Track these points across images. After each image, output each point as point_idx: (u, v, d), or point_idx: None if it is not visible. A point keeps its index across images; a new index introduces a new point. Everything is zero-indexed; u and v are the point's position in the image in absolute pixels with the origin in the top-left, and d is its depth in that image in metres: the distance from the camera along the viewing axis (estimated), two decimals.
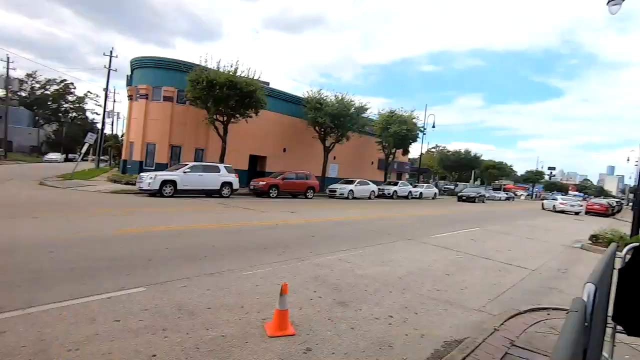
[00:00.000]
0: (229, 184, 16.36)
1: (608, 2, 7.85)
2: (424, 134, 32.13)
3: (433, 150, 64.13)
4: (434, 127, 33.47)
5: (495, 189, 54.74)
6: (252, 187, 18.55)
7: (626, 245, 3.24)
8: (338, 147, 26.29)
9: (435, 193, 32.91)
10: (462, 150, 49.06)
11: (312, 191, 20.42)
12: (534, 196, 66.48)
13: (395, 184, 28.74)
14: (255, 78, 19.02)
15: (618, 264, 3.16)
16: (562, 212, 27.85)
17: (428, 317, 4.04)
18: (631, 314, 3.09)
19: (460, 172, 51.26)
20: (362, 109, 25.12)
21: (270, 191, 18.23)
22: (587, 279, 1.41)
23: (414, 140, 30.04)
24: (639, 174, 9.85)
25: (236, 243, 6.85)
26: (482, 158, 52.22)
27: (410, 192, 28.86)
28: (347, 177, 27.32)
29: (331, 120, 23.28)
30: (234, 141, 21.24)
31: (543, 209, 30.26)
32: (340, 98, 24.17)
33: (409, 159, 41.13)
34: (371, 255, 6.83)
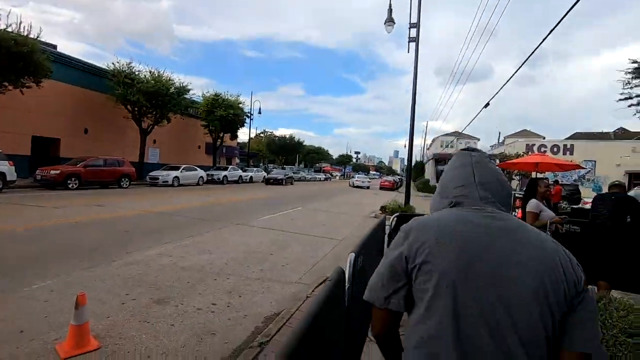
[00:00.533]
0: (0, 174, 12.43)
1: (385, 22, 9.90)
2: (251, 119, 32.85)
3: (261, 135, 66.52)
4: (260, 112, 34.66)
5: (316, 171, 61.80)
6: (39, 177, 14.63)
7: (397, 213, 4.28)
8: (158, 129, 23.78)
9: (265, 176, 34.45)
10: (287, 136, 52.96)
11: (127, 180, 17.81)
12: (345, 176, 78.72)
13: (225, 168, 28.44)
14: (33, 37, 14.75)
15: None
16: (359, 187, 35.83)
17: (252, 297, 4.27)
18: None
19: (287, 156, 55.30)
20: (183, 90, 23.36)
21: (69, 181, 14.87)
22: (351, 250, 1.80)
23: (242, 125, 30.33)
24: (408, 158, 13.11)
25: (17, 252, 5.33)
26: (304, 143, 57.80)
27: (240, 176, 29.16)
28: (171, 162, 25.17)
29: (147, 100, 20.67)
30: (7, 119, 16.15)
31: (349, 186, 37.06)
32: (156, 75, 21.72)
33: (238, 143, 41.35)
34: (196, 244, 6.61)
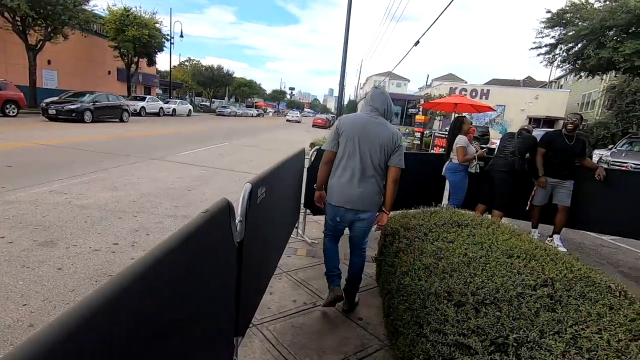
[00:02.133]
0: None
1: None
2: (172, 42, 29.08)
3: (186, 63, 60.02)
4: (182, 36, 30.73)
5: (248, 106, 58.88)
6: None
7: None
8: (53, 48, 19.87)
9: (190, 110, 31.78)
10: (216, 66, 48.49)
11: (14, 107, 14.93)
12: (279, 113, 76.58)
13: (143, 99, 25.44)
14: None
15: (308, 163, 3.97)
16: (292, 121, 39.09)
17: (161, 235, 3.96)
18: (313, 200, 4.10)
19: (215, 88, 51.24)
20: None
21: None
22: (248, 181, 1.59)
23: (160, 49, 26.77)
24: (339, 96, 12.94)
25: None
26: (235, 75, 53.74)
27: (161, 108, 26.48)
28: (73, 89, 21.63)
29: (31, 7, 16.73)
30: None
31: (286, 121, 38.81)
32: None
33: (158, 71, 36.87)
34: (101, 180, 5.89)
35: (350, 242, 2.69)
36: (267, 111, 71.25)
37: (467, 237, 2.25)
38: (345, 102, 56.64)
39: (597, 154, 14.19)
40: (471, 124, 4.86)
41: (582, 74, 17.49)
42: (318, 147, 4.12)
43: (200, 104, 50.14)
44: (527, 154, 4.65)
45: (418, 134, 16.05)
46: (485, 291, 1.59)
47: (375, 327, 2.52)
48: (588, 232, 4.89)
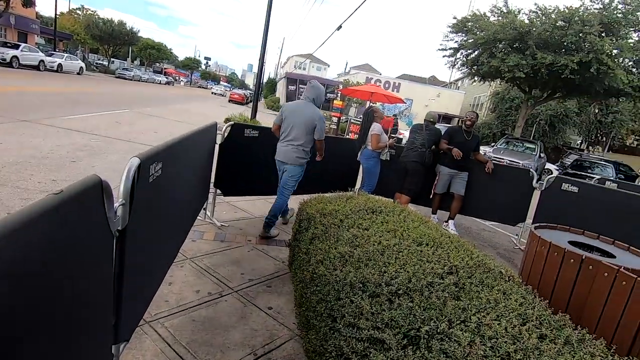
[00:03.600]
0: None
1: None
2: None
3: (78, 12, 50.91)
4: None
5: (156, 72, 53.01)
6: None
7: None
8: None
9: (82, 67, 27.18)
10: (117, 21, 42.11)
11: None
12: (192, 83, 70.76)
13: (16, 46, 20.82)
14: None
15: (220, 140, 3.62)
16: (217, 94, 39.98)
17: None
18: (225, 179, 3.78)
19: (116, 47, 44.66)
20: None
21: None
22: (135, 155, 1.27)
23: None
24: (258, 71, 12.34)
25: None
26: (140, 35, 47.55)
27: (42, 61, 22.06)
28: None
29: None
30: None
31: (211, 94, 40.72)
32: None
33: (40, 16, 30.51)
34: None
35: (278, 188, 3.81)
36: (179, 80, 65.24)
37: (381, 225, 2.26)
38: (265, 80, 55.10)
39: (481, 150, 16.40)
40: (382, 114, 5.04)
41: (476, 78, 19.82)
42: (233, 122, 3.78)
43: (96, 63, 43.40)
44: (434, 146, 5.01)
45: (335, 119, 16.41)
46: (398, 281, 1.58)
47: (285, 317, 2.41)
48: (475, 218, 5.56)
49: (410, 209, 2.97)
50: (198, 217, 3.71)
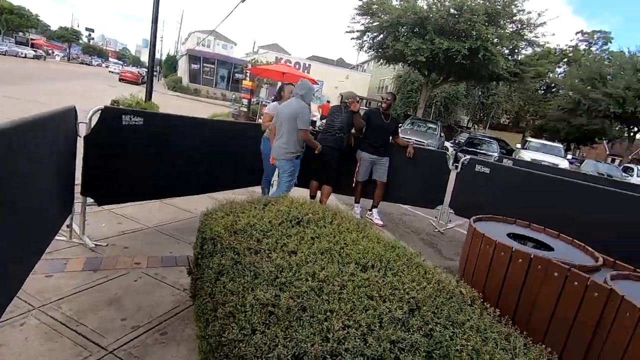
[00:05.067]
0: None
1: None
2: None
3: None
4: None
5: (20, 43, 43.37)
6: None
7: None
8: None
9: None
10: None
11: None
12: (70, 58, 59.94)
13: None
14: None
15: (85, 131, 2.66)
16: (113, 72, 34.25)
17: None
18: (97, 183, 2.82)
19: None
20: None
21: None
22: None
23: None
24: (151, 50, 10.58)
25: None
26: None
27: None
28: None
29: None
30: None
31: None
32: None
33: None
34: None
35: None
36: (53, 54, 54.56)
37: (312, 243, 1.73)
38: (164, 57, 49.58)
39: None
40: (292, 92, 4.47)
41: (382, 61, 20.52)
42: (104, 107, 2.80)
43: None
44: (353, 130, 4.66)
45: (245, 101, 15.32)
46: (351, 347, 1.07)
47: None
48: (396, 204, 5.48)
49: (339, 207, 2.52)
50: (60, 238, 2.71)
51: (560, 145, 18.31)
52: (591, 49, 32.41)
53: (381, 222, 4.77)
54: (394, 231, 4.68)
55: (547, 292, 1.90)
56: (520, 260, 1.99)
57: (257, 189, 4.49)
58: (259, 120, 12.89)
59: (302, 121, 3.63)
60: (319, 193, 4.54)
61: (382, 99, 4.88)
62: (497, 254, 2.09)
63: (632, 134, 22.02)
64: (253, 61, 22.86)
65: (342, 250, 1.67)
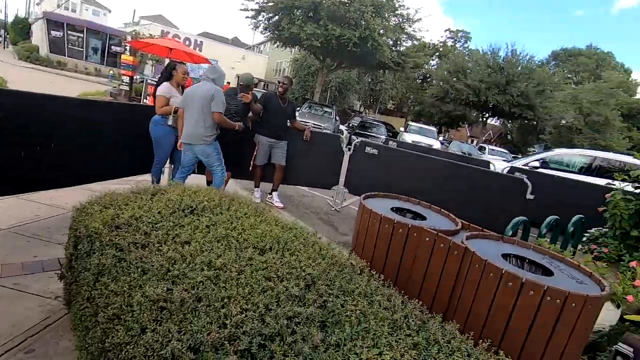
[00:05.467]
0: None
1: None
2: None
3: None
4: None
5: None
6: None
7: None
8: None
9: None
10: None
11: None
12: None
13: None
14: None
15: None
16: None
17: None
18: None
19: None
20: None
21: None
22: None
23: None
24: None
25: None
26: None
27: None
28: None
29: None
30: None
31: None
32: None
33: None
34: None
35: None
36: None
37: (208, 231, 1.67)
38: (10, 19, 39.93)
39: None
40: (187, 72, 4.13)
41: (278, 43, 20.35)
42: None
43: None
44: (250, 113, 4.57)
45: (126, 78, 13.50)
46: (248, 329, 1.08)
47: None
48: (296, 186, 5.62)
49: (238, 192, 2.47)
50: None
51: (434, 128, 21.12)
52: (456, 45, 37.79)
53: (281, 205, 4.85)
54: (294, 212, 4.82)
55: (421, 255, 2.22)
56: (400, 230, 2.28)
57: (147, 178, 4.06)
58: (145, 101, 11.56)
59: (217, 103, 3.53)
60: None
61: (279, 83, 4.87)
62: (383, 227, 2.34)
63: (484, 119, 26.68)
64: (134, 33, 20.08)
65: (239, 236, 1.66)
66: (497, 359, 1.24)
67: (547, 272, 2.02)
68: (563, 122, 22.74)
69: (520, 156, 15.50)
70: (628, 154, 8.22)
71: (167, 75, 3.89)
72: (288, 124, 4.93)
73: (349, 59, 19.22)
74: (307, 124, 13.27)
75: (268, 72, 33.83)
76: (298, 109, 18.44)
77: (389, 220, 2.32)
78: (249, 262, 1.45)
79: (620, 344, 2.11)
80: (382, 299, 1.42)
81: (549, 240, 3.24)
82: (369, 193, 2.81)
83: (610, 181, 3.64)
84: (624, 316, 2.59)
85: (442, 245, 2.14)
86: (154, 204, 1.90)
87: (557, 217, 3.40)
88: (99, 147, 3.43)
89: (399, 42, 19.57)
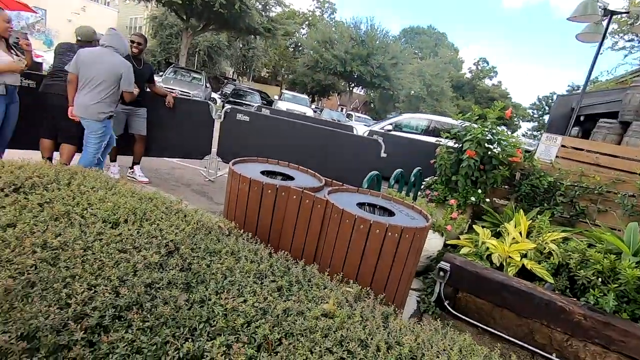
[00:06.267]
0: None
1: None
2: None
3: None
4: None
5: None
6: None
7: None
8: None
9: None
10: None
11: None
12: None
13: None
14: None
15: None
16: None
17: None
18: None
19: None
20: None
21: None
22: None
23: None
24: None
25: None
26: None
27: None
28: None
29: None
30: None
31: None
32: None
33: None
34: None
35: None
36: None
37: (41, 210, 1.43)
38: None
39: None
40: (10, 20, 3.23)
41: None
42: None
43: None
44: None
45: None
46: (99, 304, 1.00)
47: None
48: (165, 158, 5.14)
49: (82, 167, 2.14)
50: None
51: (306, 97, 21.87)
52: (324, 15, 39.12)
53: (146, 179, 4.41)
54: (162, 186, 4.45)
55: (290, 211, 2.38)
56: (269, 191, 2.37)
57: None
58: None
59: (127, 82, 3.36)
60: (56, 155, 3.65)
61: (132, 42, 4.22)
62: (252, 189, 2.39)
63: (351, 88, 28.95)
64: None
65: (84, 212, 1.47)
66: (347, 287, 1.47)
67: (391, 214, 2.43)
68: (412, 92, 26.52)
69: (379, 121, 17.59)
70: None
71: None
72: (146, 89, 4.40)
73: (217, 21, 17.91)
74: (174, 90, 12.08)
75: (119, 28, 28.83)
76: (161, 74, 16.52)
77: (258, 183, 2.38)
78: (98, 237, 1.31)
79: (442, 262, 2.73)
80: (249, 253, 1.49)
81: (396, 189, 3.86)
82: (238, 159, 2.80)
83: (439, 139, 4.49)
84: (445, 241, 3.34)
85: (307, 201, 2.32)
86: None
87: (402, 170, 4.06)
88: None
89: (268, 7, 19.13)
